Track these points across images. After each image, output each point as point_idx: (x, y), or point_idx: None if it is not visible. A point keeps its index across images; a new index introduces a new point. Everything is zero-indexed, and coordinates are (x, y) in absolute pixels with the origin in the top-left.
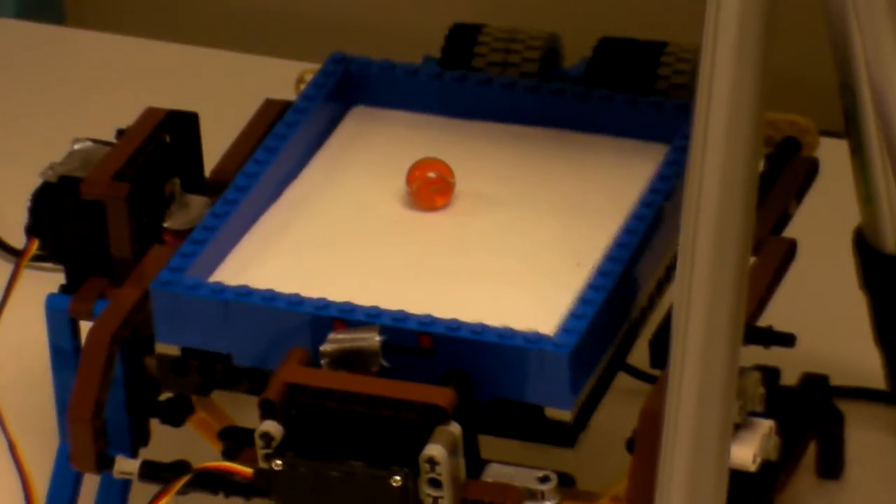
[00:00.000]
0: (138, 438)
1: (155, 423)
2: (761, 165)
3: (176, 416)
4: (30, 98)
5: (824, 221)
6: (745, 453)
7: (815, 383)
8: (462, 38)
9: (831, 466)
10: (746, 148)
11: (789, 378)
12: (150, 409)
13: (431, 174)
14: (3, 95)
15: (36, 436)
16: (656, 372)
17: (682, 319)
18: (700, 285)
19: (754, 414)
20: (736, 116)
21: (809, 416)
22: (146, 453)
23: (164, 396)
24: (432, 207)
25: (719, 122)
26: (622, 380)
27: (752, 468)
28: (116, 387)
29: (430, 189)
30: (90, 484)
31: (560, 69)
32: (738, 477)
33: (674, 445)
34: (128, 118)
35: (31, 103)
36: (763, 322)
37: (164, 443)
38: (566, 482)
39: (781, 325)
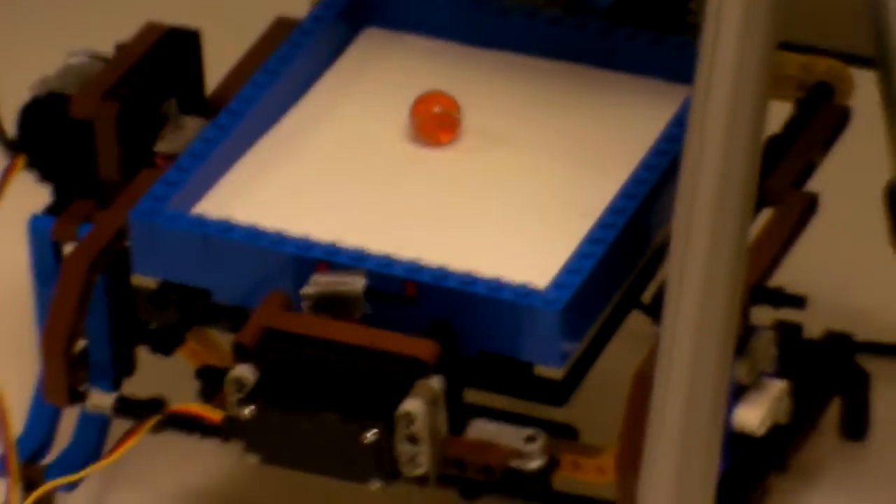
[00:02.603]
0: (122, 369)
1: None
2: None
3: (165, 344)
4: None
5: (852, 170)
6: (753, 416)
7: (838, 341)
8: None
9: (855, 427)
10: (754, 85)
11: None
12: (137, 338)
13: (436, 108)
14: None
15: (16, 362)
16: None
17: (677, 275)
18: (698, 239)
19: (767, 375)
20: (745, 53)
21: (831, 375)
22: (135, 386)
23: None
24: (436, 143)
25: (726, 57)
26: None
27: (760, 432)
28: (101, 314)
29: (434, 124)
30: (71, 416)
31: None
32: (747, 440)
33: (664, 408)
34: (132, 30)
35: (35, 9)
36: (787, 276)
37: (155, 373)
38: (568, 435)
39: (805, 280)
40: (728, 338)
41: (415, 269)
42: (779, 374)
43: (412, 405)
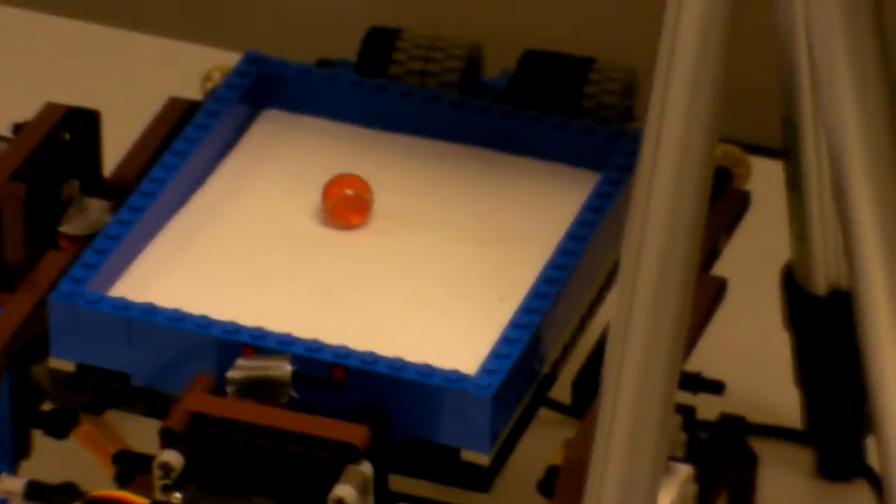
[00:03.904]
0: (20, 451)
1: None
2: None
3: (60, 427)
4: None
5: (746, 253)
6: (664, 501)
7: (731, 424)
8: (380, 42)
9: None
10: (697, 181)
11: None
12: (32, 420)
13: (349, 192)
14: None
15: None
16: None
17: (615, 365)
18: (638, 329)
19: (674, 459)
20: (688, 145)
21: (725, 458)
22: (26, 468)
23: (48, 407)
24: (348, 225)
25: (670, 152)
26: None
27: None
28: (2, 397)
29: (346, 207)
30: None
31: (481, 80)
32: None
33: (599, 496)
34: (16, 103)
35: None
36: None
37: (45, 457)
38: None
39: (700, 361)
40: (666, 424)
41: (343, 353)
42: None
43: (343, 491)
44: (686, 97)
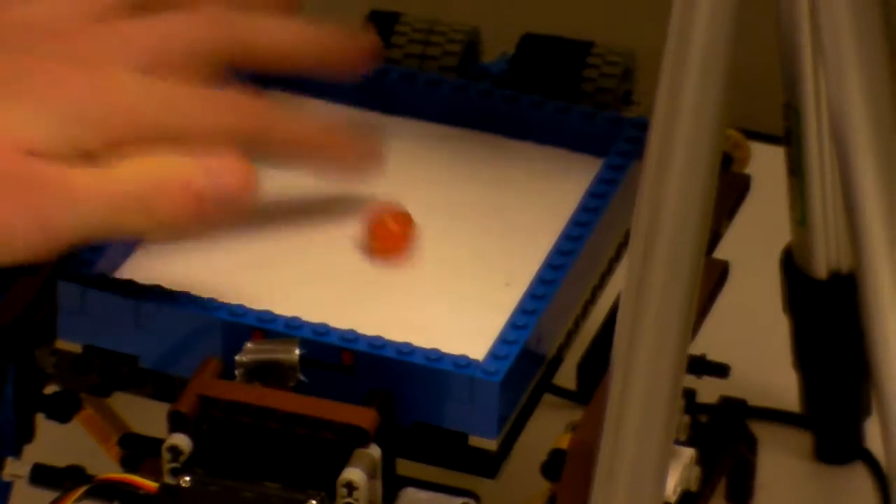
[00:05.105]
0: (23, 435)
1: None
2: None
3: (63, 411)
4: None
5: (745, 236)
6: (669, 484)
7: (731, 407)
8: (379, 25)
9: (741, 492)
10: (706, 167)
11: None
12: (36, 404)
13: (394, 227)
14: None
15: None
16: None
17: (624, 349)
18: (648, 315)
19: (676, 442)
20: (698, 133)
21: (725, 441)
22: (29, 452)
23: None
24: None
25: (680, 138)
26: None
27: (672, 500)
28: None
29: (391, 242)
30: None
31: (480, 64)
32: None
33: (609, 479)
34: None
35: None
36: None
37: (47, 441)
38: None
39: (699, 344)
40: (674, 408)
41: (351, 337)
42: (687, 441)
43: (352, 474)
44: (697, 84)
